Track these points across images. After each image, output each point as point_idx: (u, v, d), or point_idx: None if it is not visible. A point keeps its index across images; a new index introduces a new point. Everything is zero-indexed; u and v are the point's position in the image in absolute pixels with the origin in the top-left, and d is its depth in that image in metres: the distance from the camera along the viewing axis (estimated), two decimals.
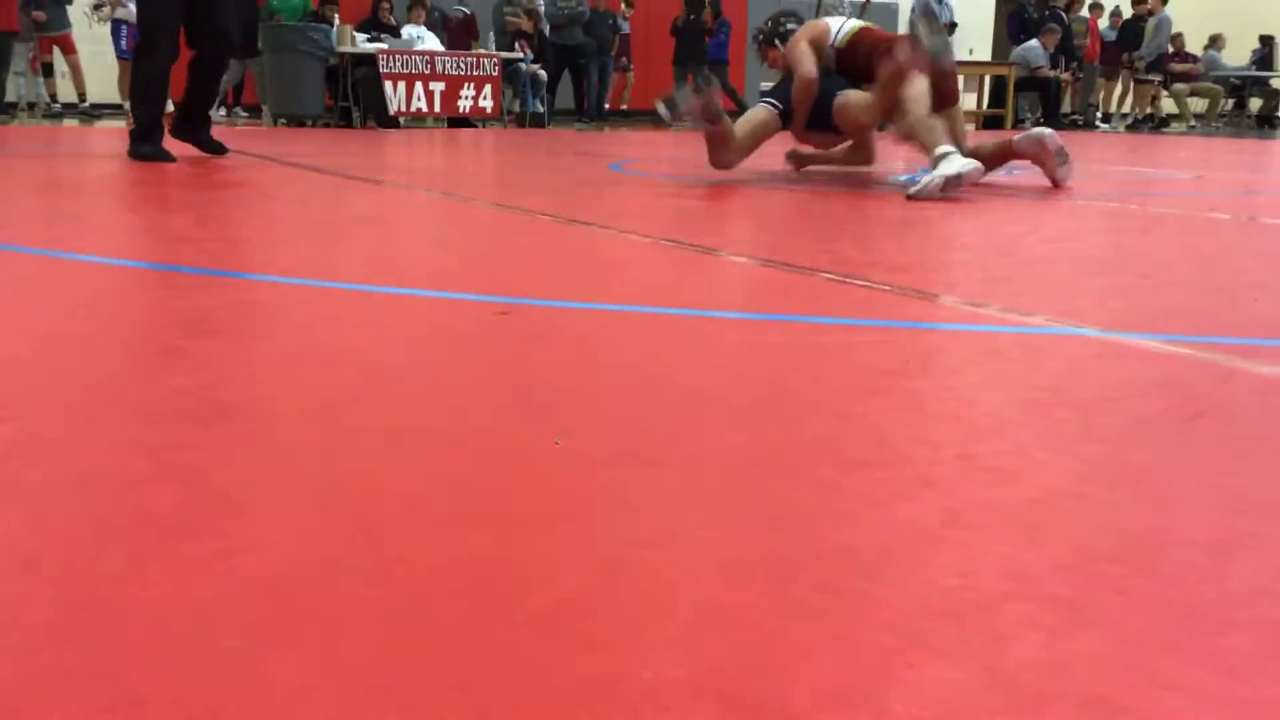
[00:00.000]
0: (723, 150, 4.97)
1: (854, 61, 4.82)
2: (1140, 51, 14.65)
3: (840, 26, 4.96)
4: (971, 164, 4.32)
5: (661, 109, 4.78)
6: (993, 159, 4.94)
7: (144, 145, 5.42)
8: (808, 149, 5.37)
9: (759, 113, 5.03)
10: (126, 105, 9.93)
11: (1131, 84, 15.17)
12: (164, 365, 1.60)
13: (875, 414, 1.39)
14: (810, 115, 4.93)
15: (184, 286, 2.26)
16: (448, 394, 1.47)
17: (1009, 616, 0.85)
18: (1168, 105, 15.69)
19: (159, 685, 0.74)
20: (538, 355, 1.68)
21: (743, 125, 5.00)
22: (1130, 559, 0.96)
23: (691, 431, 1.30)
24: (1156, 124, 14.73)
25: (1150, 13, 14.81)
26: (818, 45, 4.88)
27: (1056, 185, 4.84)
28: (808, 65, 4.84)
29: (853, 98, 4.81)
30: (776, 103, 5.01)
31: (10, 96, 11.65)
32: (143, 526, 1.00)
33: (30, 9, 10.96)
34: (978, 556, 0.96)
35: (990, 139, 5.09)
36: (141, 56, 5.47)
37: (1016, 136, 4.84)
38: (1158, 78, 14.75)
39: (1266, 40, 15.78)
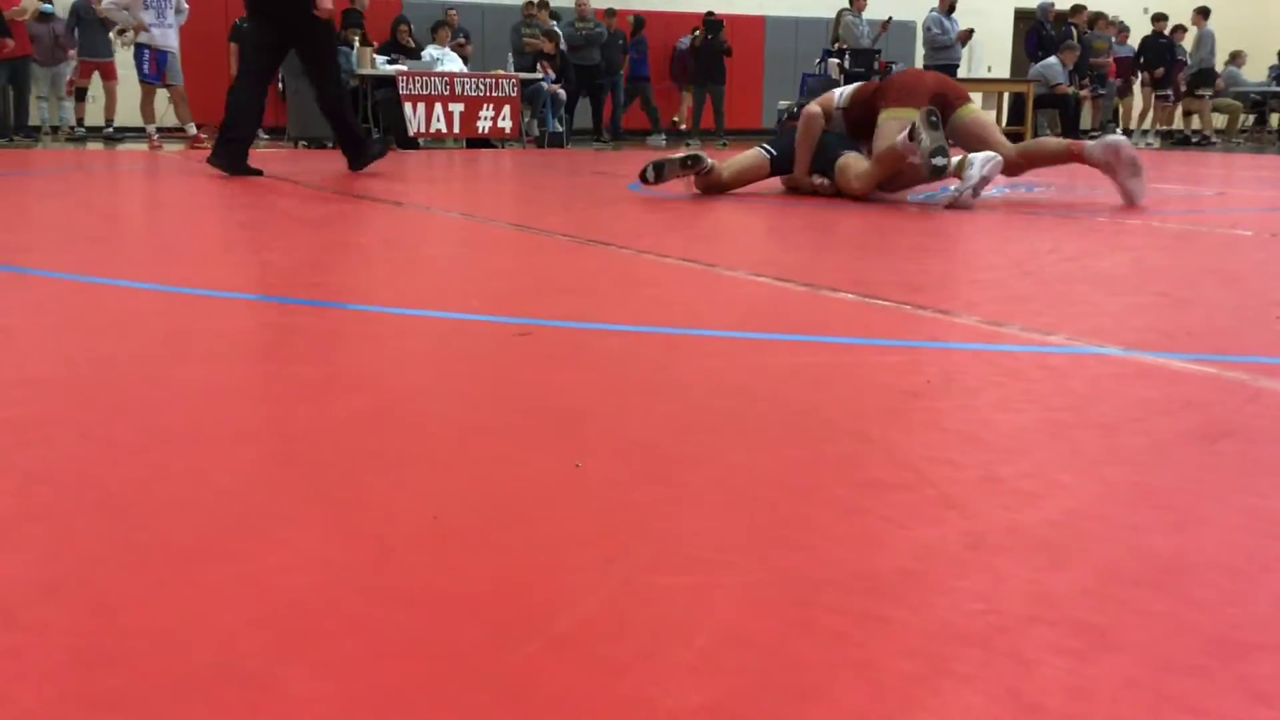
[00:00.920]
0: (711, 186, 5.19)
1: (857, 115, 5.01)
2: (1189, 66, 14.60)
3: (842, 92, 5.21)
4: (991, 156, 4.57)
5: (649, 173, 5.00)
6: (1051, 159, 4.96)
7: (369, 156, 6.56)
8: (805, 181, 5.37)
9: (751, 155, 5.26)
10: (150, 129, 10.04)
11: (1153, 100, 15.10)
12: (186, 389, 1.61)
13: (896, 435, 1.38)
14: (813, 162, 5.11)
15: (206, 309, 2.27)
16: (468, 416, 1.48)
17: (1033, 641, 0.84)
18: (1188, 121, 15.61)
19: (181, 711, 0.74)
20: (558, 377, 1.68)
21: (732, 164, 5.22)
22: (1155, 582, 0.95)
23: (711, 453, 1.30)
24: (1177, 140, 14.66)
25: (1180, 28, 14.76)
26: (825, 106, 5.15)
27: (1129, 201, 4.70)
28: (811, 108, 5.16)
29: (852, 163, 4.93)
30: (771, 150, 5.25)
31: (33, 120, 11.78)
32: (164, 551, 1.00)
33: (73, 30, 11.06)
34: (1001, 580, 0.95)
35: (1054, 141, 5.07)
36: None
37: (1089, 143, 4.77)
38: (1208, 92, 14.67)
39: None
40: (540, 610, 0.89)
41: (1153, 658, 0.82)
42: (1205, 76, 14.65)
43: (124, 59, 10.27)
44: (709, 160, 5.11)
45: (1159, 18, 14.95)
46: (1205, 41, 14.63)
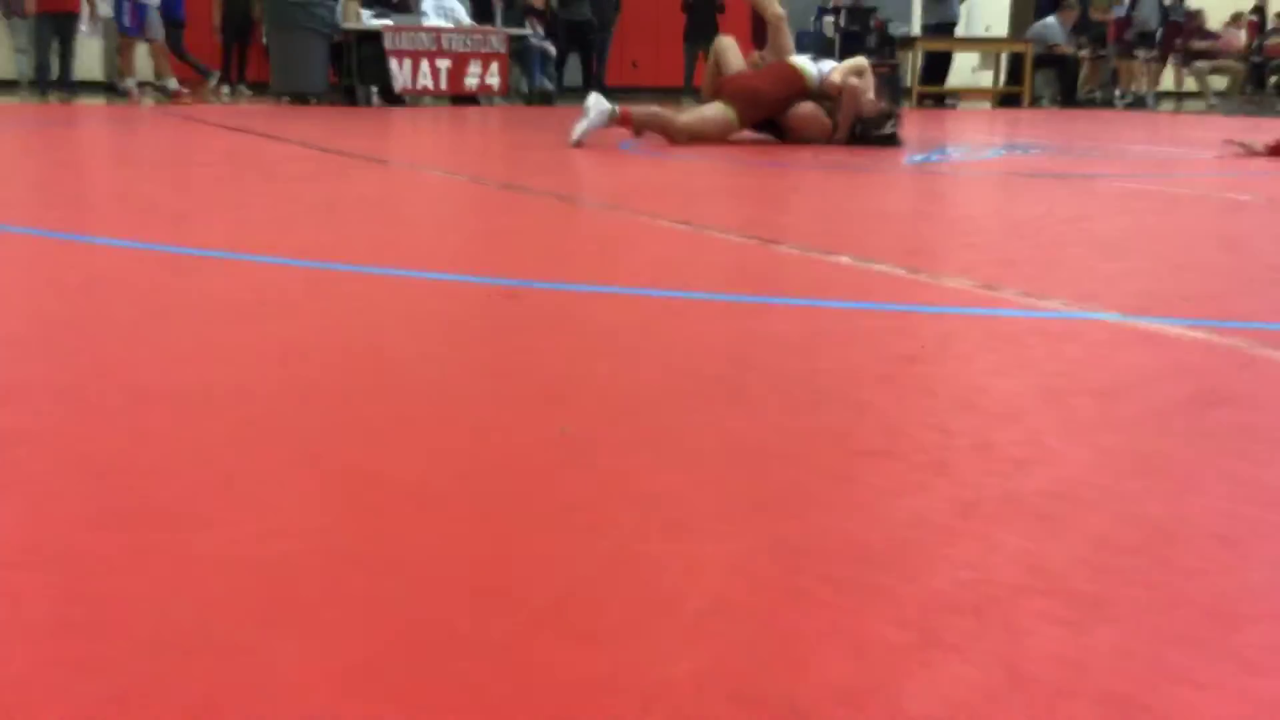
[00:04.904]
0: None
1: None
2: (1132, 27, 14.54)
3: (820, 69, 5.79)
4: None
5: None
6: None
7: None
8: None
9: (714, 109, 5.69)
10: (129, 83, 9.94)
11: (1119, 63, 14.99)
12: (165, 350, 1.59)
13: (889, 401, 1.37)
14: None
15: (186, 268, 2.25)
16: (454, 380, 1.46)
17: (1025, 611, 0.83)
18: (1188, 83, 15.51)
19: (160, 678, 0.73)
20: (546, 341, 1.67)
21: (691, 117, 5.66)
22: (1148, 551, 0.94)
23: (702, 419, 1.28)
24: (1133, 101, 14.55)
25: None
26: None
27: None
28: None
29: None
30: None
31: (9, 74, 11.61)
32: (144, 516, 0.99)
33: None
34: (993, 549, 0.94)
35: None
36: None
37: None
38: (1144, 54, 14.62)
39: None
40: (526, 578, 0.88)
41: (1146, 627, 0.81)
42: (1145, 39, 14.59)
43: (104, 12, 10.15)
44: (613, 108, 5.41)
45: None
46: (1147, 3, 14.53)
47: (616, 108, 5.38)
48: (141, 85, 10.17)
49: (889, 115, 5.57)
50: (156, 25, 9.84)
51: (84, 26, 10.34)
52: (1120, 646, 0.79)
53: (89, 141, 5.94)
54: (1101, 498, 1.06)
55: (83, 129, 6.81)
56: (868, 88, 5.62)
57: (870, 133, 5.56)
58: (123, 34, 9.75)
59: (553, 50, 12.30)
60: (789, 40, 5.93)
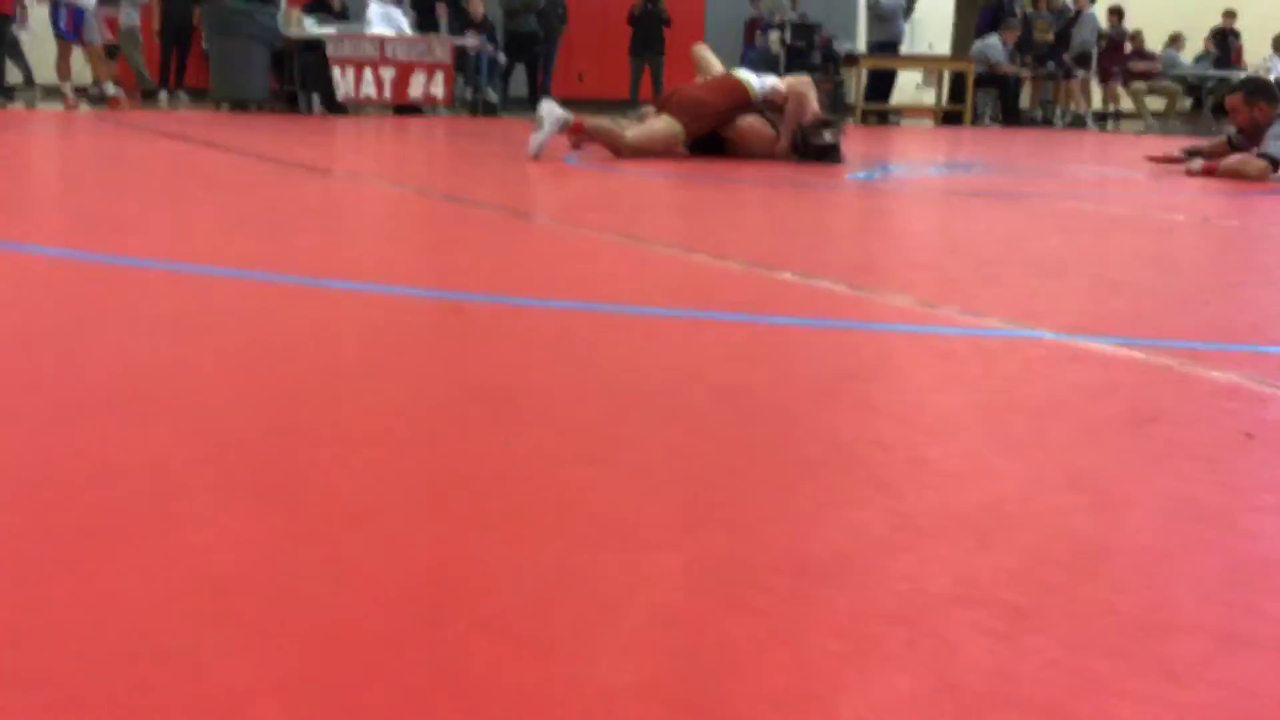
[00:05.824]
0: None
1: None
2: (1072, 48, 14.81)
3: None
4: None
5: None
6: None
7: None
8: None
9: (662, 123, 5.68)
10: (65, 88, 9.75)
11: (1065, 83, 15.26)
12: (101, 362, 1.57)
13: (828, 416, 1.39)
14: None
15: (125, 278, 2.22)
16: (397, 393, 1.46)
17: (957, 622, 0.85)
18: (1126, 103, 15.83)
19: (101, 689, 0.72)
20: (489, 353, 1.67)
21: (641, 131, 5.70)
22: (1078, 565, 0.97)
23: (644, 432, 1.30)
24: (1072, 120, 14.81)
25: (1079, 11, 14.93)
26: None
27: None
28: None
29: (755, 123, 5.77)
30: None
31: None
32: (84, 530, 0.98)
33: None
34: (927, 561, 0.96)
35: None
36: None
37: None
38: (1082, 73, 14.92)
39: (1220, 35, 15.97)
40: (470, 589, 0.88)
41: (1073, 639, 0.84)
42: (1083, 60, 14.90)
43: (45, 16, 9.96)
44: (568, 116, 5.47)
45: None
46: (1086, 24, 14.83)
47: (570, 116, 5.37)
48: (78, 90, 9.97)
49: (828, 123, 5.65)
50: (93, 30, 9.66)
51: (18, 29, 10.16)
52: (1048, 657, 0.81)
53: (22, 147, 5.82)
54: (1033, 512, 1.08)
55: (15, 134, 6.67)
56: (812, 99, 5.70)
57: (810, 141, 5.63)
58: (59, 38, 9.56)
59: (502, 59, 12.26)
60: (710, 58, 6.10)
